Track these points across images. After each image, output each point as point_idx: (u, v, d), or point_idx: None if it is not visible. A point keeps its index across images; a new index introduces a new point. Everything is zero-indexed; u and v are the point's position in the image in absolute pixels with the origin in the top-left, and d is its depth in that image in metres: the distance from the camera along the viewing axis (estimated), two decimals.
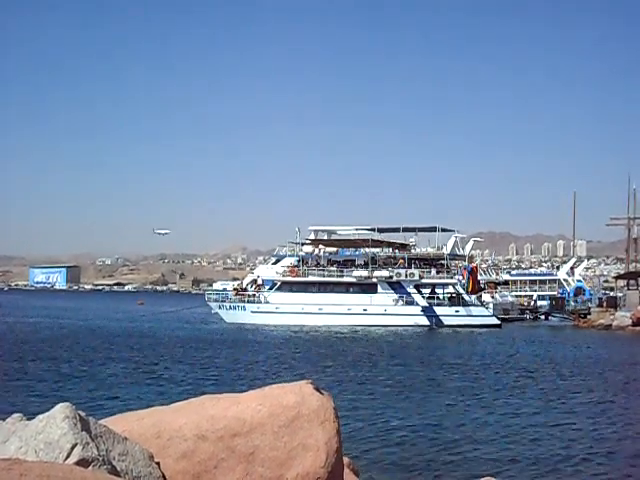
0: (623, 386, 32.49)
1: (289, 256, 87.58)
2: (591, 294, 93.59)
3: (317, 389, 7.88)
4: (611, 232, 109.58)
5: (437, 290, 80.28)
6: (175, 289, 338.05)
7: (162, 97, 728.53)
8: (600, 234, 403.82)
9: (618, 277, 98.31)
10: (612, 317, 75.37)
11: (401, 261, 79.72)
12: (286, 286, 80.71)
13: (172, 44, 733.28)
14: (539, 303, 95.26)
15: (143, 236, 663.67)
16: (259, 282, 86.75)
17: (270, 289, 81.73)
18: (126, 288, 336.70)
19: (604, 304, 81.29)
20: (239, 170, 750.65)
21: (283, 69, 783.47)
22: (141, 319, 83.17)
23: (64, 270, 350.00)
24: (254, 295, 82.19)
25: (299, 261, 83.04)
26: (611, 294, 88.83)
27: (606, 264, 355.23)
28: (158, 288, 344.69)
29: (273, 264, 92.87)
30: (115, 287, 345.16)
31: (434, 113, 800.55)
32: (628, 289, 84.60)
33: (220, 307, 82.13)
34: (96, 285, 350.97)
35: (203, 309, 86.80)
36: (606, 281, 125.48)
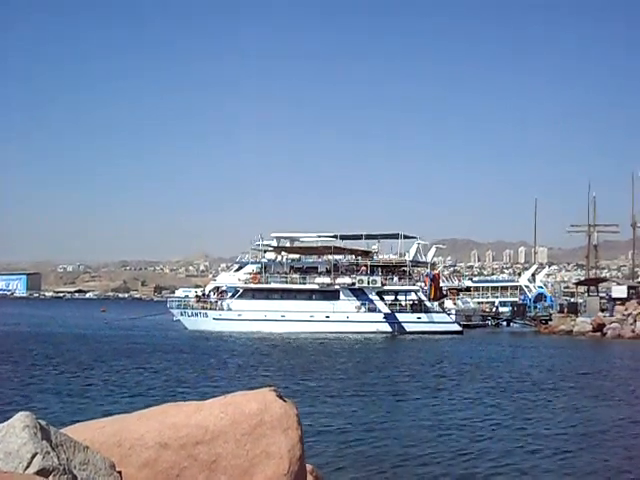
0: (581, 391, 32.73)
1: (252, 263, 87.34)
2: (552, 300, 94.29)
3: (280, 396, 7.87)
4: (572, 239, 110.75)
5: (399, 297, 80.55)
6: (137, 296, 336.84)
7: (128, 100, 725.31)
8: (561, 241, 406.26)
9: (579, 283, 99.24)
10: (573, 323, 76.02)
11: (363, 268, 79.85)
12: (248, 293, 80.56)
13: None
14: (501, 309, 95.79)
15: (105, 243, 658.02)
16: (221, 289, 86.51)
17: (232, 296, 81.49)
18: (88, 295, 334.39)
19: (565, 310, 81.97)
20: (201, 177, 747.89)
21: (241, 76, 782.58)
22: (104, 326, 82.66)
23: (24, 277, 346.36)
24: (216, 302, 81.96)
25: (261, 268, 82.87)
26: (572, 300, 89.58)
27: (567, 270, 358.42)
28: (120, 295, 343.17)
29: (235, 271, 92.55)
30: (76, 294, 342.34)
31: (396, 119, 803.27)
32: (589, 295, 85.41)
33: (182, 314, 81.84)
34: (57, 292, 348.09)
35: (165, 316, 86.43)
36: (567, 287, 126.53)
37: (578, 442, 21.42)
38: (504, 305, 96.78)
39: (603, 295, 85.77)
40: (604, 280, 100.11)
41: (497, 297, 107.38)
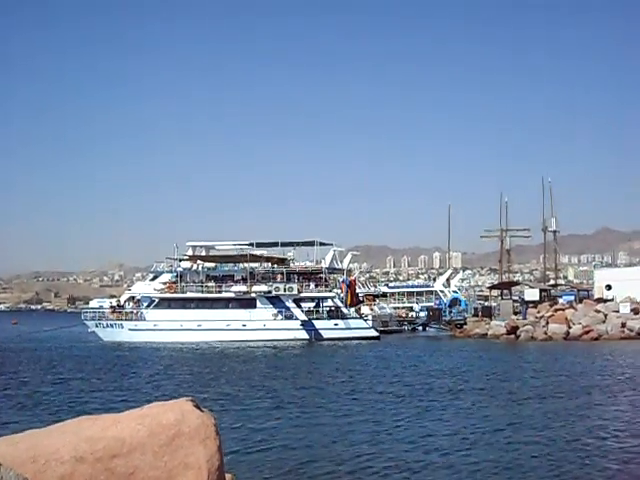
0: (487, 392, 33.19)
1: (167, 272, 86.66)
2: (467, 304, 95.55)
3: (197, 406, 7.82)
4: (485, 244, 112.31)
5: (316, 304, 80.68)
6: (50, 308, 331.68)
7: (48, 104, 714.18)
8: (474, 246, 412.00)
9: (492, 287, 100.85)
10: (487, 326, 77.10)
11: (280, 276, 79.86)
12: (164, 303, 79.90)
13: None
14: (421, 314, 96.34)
15: (16, 253, 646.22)
16: (137, 299, 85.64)
17: (148, 306, 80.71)
18: None
19: (479, 314, 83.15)
20: (115, 184, 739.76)
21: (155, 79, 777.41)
22: (17, 339, 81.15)
23: None
24: (132, 312, 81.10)
25: (177, 277, 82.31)
26: (486, 304, 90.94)
27: (481, 275, 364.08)
28: (32, 307, 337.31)
29: (151, 280, 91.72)
30: None
31: (312, 123, 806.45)
32: (502, 299, 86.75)
33: (97, 325, 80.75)
34: None
35: (80, 328, 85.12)
36: (481, 291, 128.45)
37: (472, 441, 22.16)
38: (423, 310, 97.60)
39: (516, 298, 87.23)
40: (517, 284, 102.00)
41: (413, 302, 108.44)
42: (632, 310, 73.87)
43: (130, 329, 78.31)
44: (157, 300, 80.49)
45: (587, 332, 70.18)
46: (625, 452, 20.24)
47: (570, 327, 71.56)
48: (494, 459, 19.72)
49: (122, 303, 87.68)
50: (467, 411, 28.12)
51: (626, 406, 28.85)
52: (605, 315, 73.02)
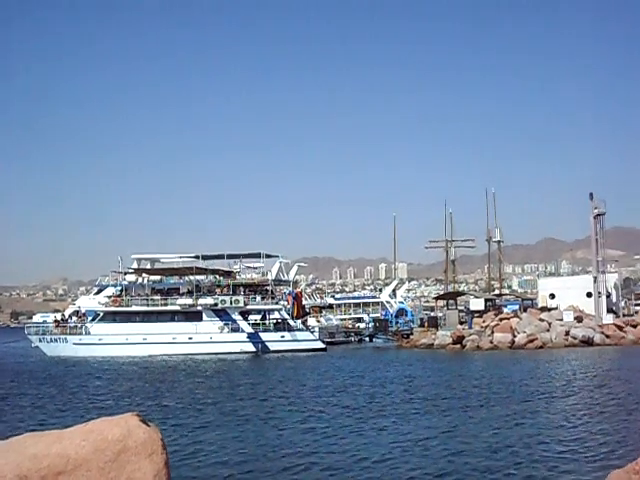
0: (426, 401, 33.37)
1: (112, 286, 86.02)
2: (413, 315, 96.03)
3: (143, 421, 7.73)
4: (430, 254, 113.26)
5: (263, 316, 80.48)
6: None
7: None
8: (420, 257, 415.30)
9: (438, 297, 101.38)
10: (433, 336, 77.46)
11: (226, 288, 79.52)
12: (109, 316, 79.16)
13: None
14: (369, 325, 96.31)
15: None
16: (81, 313, 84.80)
17: (93, 320, 79.93)
18: None
19: (426, 324, 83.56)
20: (56, 198, 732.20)
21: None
22: None
23: None
24: (76, 326, 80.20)
25: (122, 290, 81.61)
26: (432, 314, 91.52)
27: (426, 285, 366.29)
28: None
29: (95, 294, 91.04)
30: None
31: (255, 134, 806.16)
32: (448, 309, 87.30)
33: (41, 340, 79.71)
34: None
35: (23, 343, 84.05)
36: (427, 302, 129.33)
37: (409, 449, 22.65)
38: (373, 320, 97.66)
39: (462, 308, 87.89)
40: (462, 294, 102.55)
41: (360, 313, 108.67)
42: (575, 318, 74.84)
43: (75, 343, 77.42)
44: (102, 314, 79.72)
45: (532, 340, 70.91)
46: (549, 459, 20.60)
47: (515, 336, 72.23)
48: (428, 466, 20.12)
49: (66, 317, 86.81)
50: (408, 420, 28.41)
51: (560, 413, 29.27)
52: (549, 323, 73.87)
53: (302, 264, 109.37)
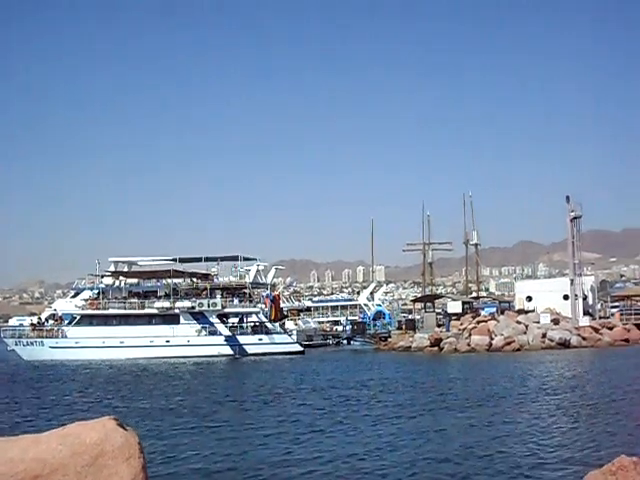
0: (399, 404, 33.47)
1: (89, 289, 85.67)
2: (391, 317, 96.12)
3: (121, 425, 7.72)
4: (408, 257, 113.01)
5: (241, 319, 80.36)
6: None
7: None
8: (397, 259, 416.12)
9: (415, 300, 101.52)
10: (411, 339, 77.50)
11: (203, 291, 79.38)
12: (86, 319, 78.80)
13: None
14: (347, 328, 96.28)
15: None
16: (58, 316, 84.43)
17: (70, 323, 79.59)
18: None
19: (403, 327, 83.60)
20: (33, 200, 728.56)
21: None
22: None
23: None
24: (53, 330, 79.78)
25: (99, 293, 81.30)
26: (409, 317, 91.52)
27: (404, 288, 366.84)
28: None
29: (72, 297, 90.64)
30: None
31: (233, 140, 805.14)
32: (425, 311, 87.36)
33: (17, 344, 79.20)
34: None
35: None
36: (404, 304, 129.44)
37: (381, 450, 22.90)
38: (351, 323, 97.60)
39: (439, 311, 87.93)
40: (440, 296, 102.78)
41: (337, 316, 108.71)
42: (552, 320, 75.14)
43: (51, 347, 76.99)
44: (79, 317, 79.39)
45: (509, 343, 71.13)
46: (524, 460, 20.77)
47: (492, 338, 72.42)
48: (397, 467, 20.34)
49: (43, 320, 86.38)
50: (382, 422, 28.52)
51: (535, 415, 29.41)
52: (526, 326, 74.09)
53: (280, 267, 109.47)
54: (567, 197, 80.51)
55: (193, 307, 77.30)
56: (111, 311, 78.84)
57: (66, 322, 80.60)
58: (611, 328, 76.82)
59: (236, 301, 78.98)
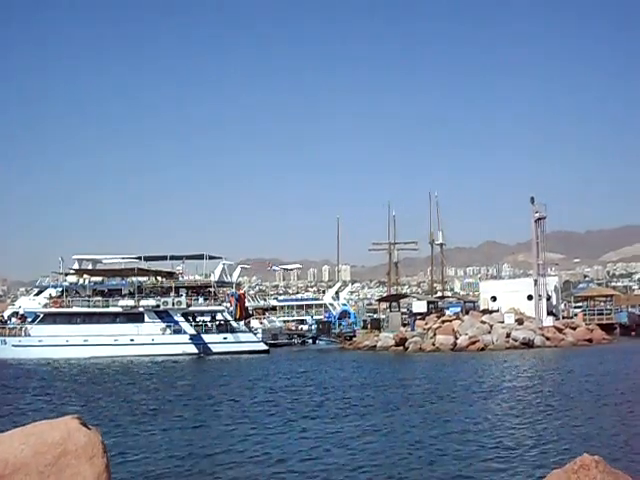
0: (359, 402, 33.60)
1: (52, 287, 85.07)
2: (356, 317, 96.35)
3: (84, 424, 7.68)
4: (373, 257, 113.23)
5: (206, 318, 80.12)
6: None
7: None
8: (363, 259, 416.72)
9: (381, 300, 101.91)
10: (376, 338, 77.72)
11: (168, 290, 79.08)
12: (49, 318, 78.23)
13: None
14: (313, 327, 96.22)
15: None
16: (21, 314, 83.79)
17: (33, 321, 79.00)
18: None
19: (369, 326, 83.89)
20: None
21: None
22: None
23: None
24: (15, 328, 79.18)
25: (63, 292, 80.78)
26: (375, 316, 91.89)
27: (369, 287, 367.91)
28: None
29: (36, 295, 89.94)
30: None
31: (203, 139, 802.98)
32: (390, 311, 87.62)
33: None
34: None
35: None
36: (370, 304, 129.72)
37: (329, 447, 23.31)
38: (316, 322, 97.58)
39: (404, 310, 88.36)
40: (405, 296, 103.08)
41: (303, 315, 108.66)
42: (516, 321, 75.61)
43: (14, 345, 76.37)
44: (42, 315, 78.81)
45: (473, 342, 71.49)
46: (484, 459, 20.92)
47: (457, 338, 72.76)
48: (346, 465, 20.53)
49: (5, 318, 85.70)
50: (339, 420, 28.77)
51: (496, 413, 29.60)
52: (491, 326, 74.50)
53: (246, 266, 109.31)
54: (532, 198, 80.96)
55: (158, 306, 77.02)
56: (75, 309, 78.35)
57: (29, 320, 80.00)
58: (574, 328, 77.44)
59: (201, 300, 78.80)
